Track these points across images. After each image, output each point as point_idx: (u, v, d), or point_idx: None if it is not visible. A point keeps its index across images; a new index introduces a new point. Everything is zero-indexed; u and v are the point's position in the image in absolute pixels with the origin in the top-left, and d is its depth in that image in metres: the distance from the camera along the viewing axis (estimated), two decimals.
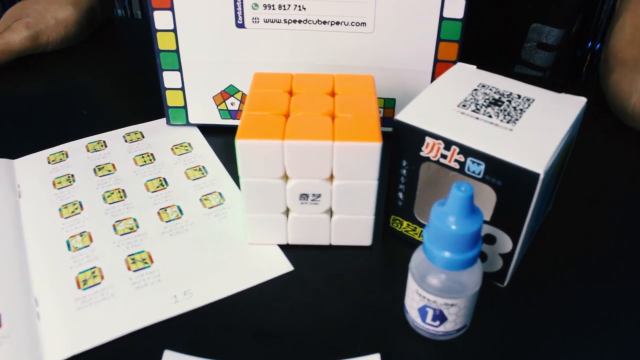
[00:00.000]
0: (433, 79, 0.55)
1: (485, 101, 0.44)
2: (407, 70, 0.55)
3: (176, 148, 0.58)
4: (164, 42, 0.56)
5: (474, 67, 0.48)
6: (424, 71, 0.55)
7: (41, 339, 0.41)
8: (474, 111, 0.43)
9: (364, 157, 0.42)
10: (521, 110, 0.43)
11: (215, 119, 0.60)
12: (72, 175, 0.55)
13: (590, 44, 1.19)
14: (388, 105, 0.57)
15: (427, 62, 0.55)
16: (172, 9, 0.54)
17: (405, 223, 0.47)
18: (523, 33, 0.85)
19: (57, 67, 0.77)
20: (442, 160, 0.42)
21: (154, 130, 0.61)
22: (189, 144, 0.59)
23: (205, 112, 0.60)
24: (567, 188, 0.53)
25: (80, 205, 0.52)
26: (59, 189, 0.54)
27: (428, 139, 0.42)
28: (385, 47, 0.54)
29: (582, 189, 0.54)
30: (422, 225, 0.46)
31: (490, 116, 0.42)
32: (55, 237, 0.49)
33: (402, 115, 0.43)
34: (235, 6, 0.53)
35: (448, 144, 0.41)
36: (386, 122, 0.58)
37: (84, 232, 0.49)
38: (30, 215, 0.52)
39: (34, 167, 0.57)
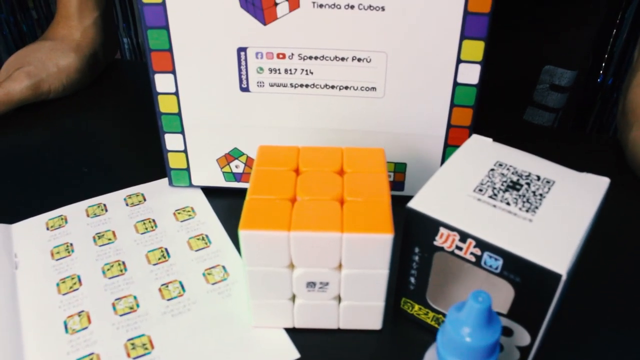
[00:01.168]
0: (446, 144, 0.53)
1: (502, 184, 0.41)
2: (419, 135, 0.53)
3: (179, 213, 0.56)
4: (165, 105, 0.54)
5: (490, 140, 0.46)
6: (437, 136, 0.53)
7: None
8: (491, 197, 0.40)
9: (375, 248, 0.40)
10: (541, 195, 0.41)
11: (219, 181, 0.58)
12: (71, 244, 0.53)
13: (601, 79, 1.17)
14: (399, 170, 0.55)
15: (440, 127, 0.52)
16: (173, 72, 0.52)
17: (417, 306, 0.45)
18: (536, 75, 0.83)
19: (57, 115, 0.75)
20: (457, 252, 0.39)
21: (156, 192, 0.59)
22: (192, 209, 0.57)
23: (209, 174, 0.57)
24: (585, 258, 0.50)
25: (79, 280, 0.50)
26: (57, 260, 0.52)
27: (442, 230, 0.39)
28: (397, 112, 0.51)
29: (601, 258, 0.51)
30: (434, 310, 0.44)
31: (508, 203, 0.40)
32: (52, 318, 0.47)
33: (415, 203, 0.40)
34: (240, 70, 0.51)
35: (464, 236, 0.38)
36: (396, 186, 0.56)
37: (82, 311, 0.47)
38: (27, 290, 0.50)
39: (32, 233, 0.55)
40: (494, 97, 0.65)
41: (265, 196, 0.42)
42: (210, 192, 0.60)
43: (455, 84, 0.50)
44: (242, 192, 0.56)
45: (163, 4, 0.49)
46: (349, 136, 0.53)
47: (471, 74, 0.50)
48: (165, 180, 0.60)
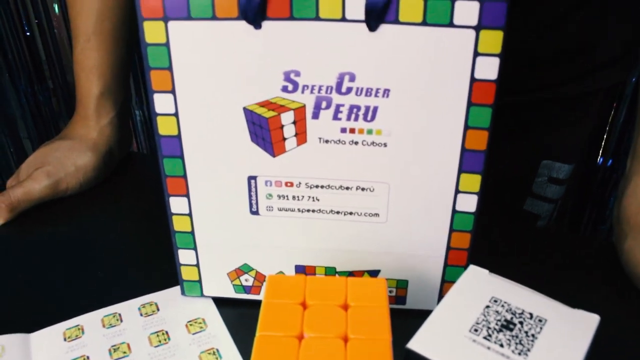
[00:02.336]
0: (446, 263, 0.56)
1: (497, 324, 0.44)
2: (420, 256, 0.56)
3: (191, 325, 0.59)
4: (179, 224, 0.57)
5: (486, 272, 0.49)
6: (437, 256, 0.56)
7: None
8: (485, 338, 0.43)
9: None
10: (533, 336, 0.43)
11: (229, 292, 0.61)
12: (88, 358, 0.56)
13: (601, 161, 1.20)
14: (400, 286, 0.58)
15: (440, 249, 0.55)
16: (187, 195, 0.55)
17: None
18: (534, 168, 0.86)
19: (73, 212, 0.79)
20: None
21: (169, 301, 0.62)
22: (204, 320, 0.59)
23: (220, 286, 0.60)
24: None
25: None
26: None
27: None
28: (399, 235, 0.54)
29: None
30: None
31: (502, 345, 0.43)
32: None
33: (414, 344, 0.43)
34: (250, 195, 0.54)
35: None
36: (398, 300, 0.59)
37: None
38: None
39: (50, 344, 0.58)
40: (497, 189, 0.68)
41: (274, 333, 0.45)
42: (221, 301, 0.63)
43: (454, 211, 0.53)
44: (251, 302, 0.61)
45: (179, 137, 0.52)
46: (354, 256, 0.56)
47: (469, 203, 0.53)
48: (177, 288, 0.63)
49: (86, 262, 0.69)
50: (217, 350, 0.57)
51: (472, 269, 0.50)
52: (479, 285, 0.48)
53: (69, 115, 1.68)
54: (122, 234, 0.75)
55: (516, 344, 0.43)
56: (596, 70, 0.80)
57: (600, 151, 1.20)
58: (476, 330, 0.44)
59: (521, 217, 0.90)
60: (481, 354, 0.42)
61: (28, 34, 1.69)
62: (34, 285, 0.66)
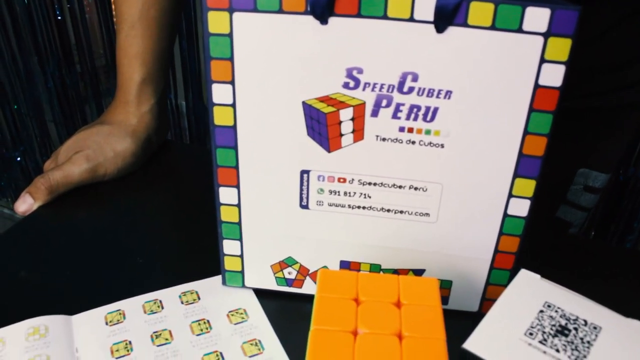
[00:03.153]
0: (492, 267, 0.56)
1: (552, 329, 0.44)
2: (466, 258, 0.56)
3: (232, 315, 0.59)
4: (226, 214, 0.57)
5: (538, 276, 0.49)
6: (484, 259, 0.56)
7: None
8: (541, 342, 0.43)
9: None
10: (588, 342, 0.43)
11: (271, 284, 0.61)
12: (130, 343, 0.56)
13: (632, 171, 1.20)
14: (444, 286, 0.58)
15: (488, 252, 0.55)
16: (237, 186, 0.55)
17: None
18: (571, 176, 0.86)
19: (111, 197, 0.80)
20: None
21: (210, 291, 0.62)
22: (245, 311, 0.60)
23: (262, 277, 0.61)
24: None
25: None
26: (117, 358, 0.55)
27: None
28: (448, 236, 0.54)
29: None
30: None
31: (557, 350, 0.43)
32: None
33: (470, 344, 0.43)
34: (301, 189, 0.54)
35: None
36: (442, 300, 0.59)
37: None
38: None
39: (91, 328, 0.58)
40: None
41: (328, 327, 0.45)
42: (261, 293, 0.63)
43: (505, 215, 0.53)
44: (292, 295, 0.61)
45: (234, 127, 0.52)
46: (400, 254, 0.56)
47: (521, 208, 0.53)
48: (218, 278, 0.63)
49: (125, 248, 0.70)
50: (260, 342, 0.57)
51: (524, 273, 0.50)
52: (531, 290, 0.48)
53: (95, 100, 1.69)
54: (159, 222, 0.76)
55: (572, 349, 0.43)
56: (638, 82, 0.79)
57: (633, 161, 1.20)
58: (531, 334, 0.44)
59: (553, 224, 0.90)
60: (538, 358, 0.42)
61: (59, 17, 1.70)
62: (73, 268, 0.67)
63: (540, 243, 0.60)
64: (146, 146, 0.82)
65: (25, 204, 0.75)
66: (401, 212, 0.54)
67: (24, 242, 0.71)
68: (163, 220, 0.75)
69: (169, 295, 0.62)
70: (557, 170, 0.85)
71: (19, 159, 1.98)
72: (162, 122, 0.86)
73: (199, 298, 0.62)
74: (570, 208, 0.89)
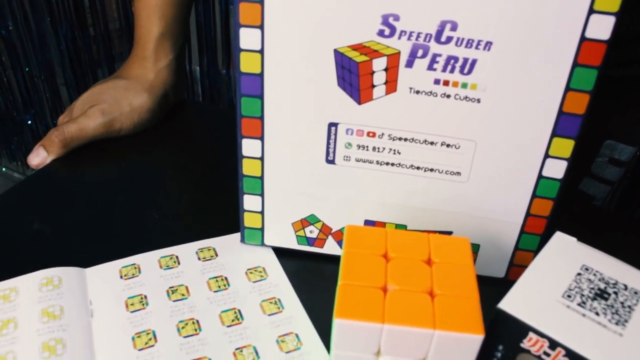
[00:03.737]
0: (522, 231, 0.54)
1: (590, 292, 0.42)
2: (496, 220, 0.54)
3: (250, 273, 0.57)
4: (249, 168, 0.55)
5: (574, 240, 0.47)
6: (514, 223, 0.54)
7: None
8: (580, 305, 0.41)
9: (463, 346, 0.41)
10: (629, 307, 0.41)
11: (291, 243, 0.59)
12: (145, 297, 0.54)
13: None
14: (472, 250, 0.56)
15: (519, 215, 0.53)
16: (262, 138, 0.53)
17: None
18: (596, 148, 0.84)
19: (126, 152, 0.78)
20: (543, 357, 0.40)
21: (228, 248, 0.60)
22: (264, 269, 0.58)
23: (282, 236, 0.59)
24: None
25: (154, 336, 0.51)
26: (132, 312, 0.53)
27: (532, 334, 0.40)
28: (478, 197, 0.52)
29: None
30: None
31: (597, 313, 0.41)
32: None
33: (506, 304, 0.41)
34: (328, 143, 0.52)
35: (554, 344, 0.39)
36: None
37: None
38: (103, 342, 0.52)
39: (105, 281, 0.56)
40: None
41: (357, 282, 0.43)
42: (280, 252, 0.61)
43: (540, 176, 0.51)
44: (312, 255, 0.59)
45: (261, 75, 0.50)
46: (427, 215, 0.54)
47: (557, 169, 0.50)
48: (236, 235, 0.62)
49: (139, 204, 0.68)
50: (279, 300, 0.55)
51: (559, 235, 0.48)
52: (568, 253, 0.46)
53: (107, 63, 1.67)
54: (175, 179, 0.74)
55: (612, 313, 0.41)
56: None
57: None
58: (569, 296, 0.42)
59: (575, 197, 0.88)
60: (576, 320, 0.40)
61: None
62: (87, 222, 0.65)
63: (563, 214, 0.58)
64: (163, 102, 0.80)
65: (39, 157, 0.73)
66: (431, 170, 0.52)
67: (36, 195, 0.69)
68: (179, 177, 0.73)
69: (186, 251, 0.60)
70: (583, 141, 0.82)
71: (29, 122, 1.96)
72: (179, 78, 0.83)
73: (216, 255, 0.60)
74: (594, 181, 0.87)
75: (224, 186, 0.66)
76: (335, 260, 0.56)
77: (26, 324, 0.51)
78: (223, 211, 0.65)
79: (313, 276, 0.58)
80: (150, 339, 0.51)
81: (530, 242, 0.55)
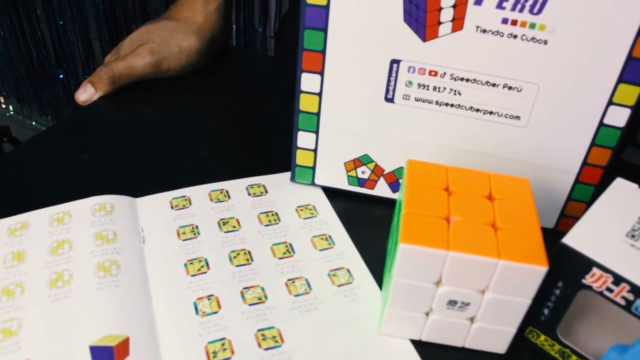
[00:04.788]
0: (577, 180, 0.54)
1: None
2: (551, 169, 0.53)
3: (301, 210, 0.57)
4: (306, 103, 0.55)
5: (636, 186, 0.46)
6: (569, 172, 0.53)
7: None
8: None
9: (526, 277, 0.41)
10: None
11: (342, 183, 0.59)
12: (197, 227, 0.55)
13: None
14: None
15: (575, 164, 0.53)
16: (322, 73, 0.53)
17: (542, 337, 0.46)
18: None
19: (172, 95, 0.77)
20: (605, 293, 0.40)
21: (277, 186, 0.60)
22: (314, 207, 0.58)
23: (333, 175, 0.59)
24: None
25: (207, 264, 0.51)
26: (183, 240, 0.53)
27: (595, 270, 0.40)
28: (535, 143, 0.52)
29: None
30: (562, 344, 0.44)
31: None
32: (182, 298, 0.48)
33: (570, 240, 0.41)
34: (389, 81, 0.52)
35: (618, 279, 0.39)
36: None
37: (212, 295, 0.48)
38: (156, 266, 0.52)
39: (156, 210, 0.56)
40: None
41: (420, 212, 0.43)
42: (330, 193, 0.61)
43: (601, 124, 0.51)
44: (362, 197, 0.59)
45: (327, 7, 0.50)
46: (481, 159, 0.54)
47: (619, 117, 0.50)
48: (285, 174, 0.62)
49: (187, 142, 0.69)
50: (330, 237, 0.55)
51: (620, 181, 0.48)
52: (629, 197, 0.46)
53: (142, 19, 1.67)
54: (223, 120, 0.74)
55: None
56: None
57: None
58: (633, 236, 0.42)
59: (617, 166, 0.87)
60: None
61: None
62: (135, 156, 0.66)
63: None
64: (210, 45, 0.80)
65: (87, 94, 0.73)
66: (490, 112, 0.52)
67: (84, 130, 0.69)
68: (225, 119, 0.74)
69: (236, 186, 0.61)
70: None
71: (61, 76, 1.96)
72: (227, 23, 0.83)
73: (266, 192, 0.60)
74: (637, 150, 0.86)
75: (270, 130, 0.67)
76: (384, 203, 0.56)
77: (81, 245, 0.52)
78: (270, 153, 0.66)
79: (362, 218, 0.58)
80: (202, 266, 0.51)
81: (584, 192, 0.55)
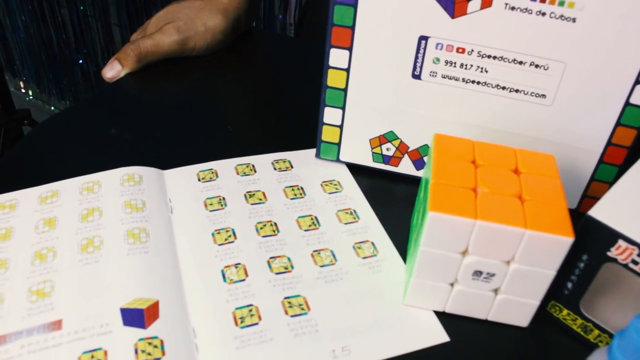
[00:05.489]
0: (601, 160, 0.54)
1: None
2: (575, 148, 0.54)
3: (326, 185, 0.58)
4: (333, 79, 0.55)
5: None
6: (594, 152, 0.54)
7: None
8: None
9: (552, 248, 0.41)
10: None
11: (366, 160, 0.60)
12: (224, 199, 0.56)
13: None
14: None
15: (599, 144, 0.53)
16: (350, 49, 0.53)
17: (565, 311, 0.46)
18: None
19: (197, 73, 0.78)
20: (631, 265, 0.41)
21: (302, 162, 0.61)
22: (339, 183, 0.58)
23: (358, 152, 0.59)
24: None
25: (234, 234, 0.52)
26: (211, 211, 0.54)
27: (621, 242, 0.40)
28: (560, 122, 0.52)
29: None
30: (584, 318, 0.45)
31: None
32: (209, 265, 0.49)
33: (595, 212, 0.41)
34: (416, 57, 0.52)
35: None
36: None
37: (239, 264, 0.49)
38: (183, 235, 0.53)
39: (183, 181, 0.57)
40: None
41: (448, 182, 0.44)
42: (353, 170, 0.62)
43: (627, 104, 0.51)
44: (385, 175, 0.59)
45: None
46: (507, 138, 0.55)
47: None
48: (309, 151, 0.62)
49: (213, 118, 0.70)
50: (355, 211, 0.56)
51: None
52: None
53: (163, 5, 1.67)
54: (246, 98, 0.75)
55: None
56: None
57: None
58: None
59: None
60: None
61: None
62: (162, 131, 0.67)
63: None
64: (235, 26, 0.81)
65: (113, 70, 0.74)
66: (516, 90, 0.53)
67: (111, 105, 0.71)
68: (250, 97, 0.74)
69: (262, 160, 0.62)
70: None
71: (81, 61, 1.98)
72: (252, 4, 0.84)
73: (291, 167, 0.61)
74: None
75: (293, 109, 0.68)
76: (408, 180, 0.57)
77: (110, 213, 0.53)
78: (293, 131, 0.67)
79: (386, 195, 0.59)
80: (229, 236, 0.52)
81: (608, 172, 0.55)
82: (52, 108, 2.21)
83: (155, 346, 0.42)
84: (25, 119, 1.69)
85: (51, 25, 1.95)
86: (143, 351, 0.42)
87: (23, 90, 2.27)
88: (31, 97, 2.27)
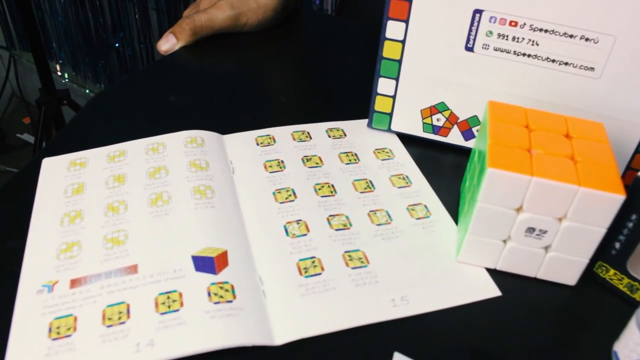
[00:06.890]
0: None
1: None
2: (622, 121, 0.56)
3: (378, 152, 0.61)
4: (389, 50, 0.58)
5: None
6: (639, 124, 0.56)
7: (269, 317, 0.45)
8: None
9: (604, 206, 0.44)
10: None
11: (417, 130, 0.62)
12: (282, 162, 0.59)
13: None
14: None
15: None
16: (407, 21, 0.56)
17: (612, 271, 0.49)
18: None
19: (249, 48, 0.81)
20: None
21: (355, 131, 0.64)
22: (390, 151, 0.61)
23: (409, 122, 0.62)
24: None
25: (294, 193, 0.55)
26: (270, 172, 0.57)
27: None
28: (608, 95, 0.55)
29: None
30: (631, 277, 0.48)
31: None
32: (272, 220, 0.52)
33: None
34: (470, 30, 0.55)
35: None
36: None
37: (300, 220, 0.52)
38: (246, 193, 0.56)
39: (243, 145, 0.60)
40: None
41: (505, 143, 0.46)
42: (403, 140, 0.65)
43: None
44: (435, 145, 0.62)
45: None
46: (556, 110, 0.57)
47: None
48: (362, 121, 0.65)
49: (267, 89, 0.73)
50: (407, 177, 0.59)
51: None
52: None
53: None
54: (298, 71, 0.79)
55: None
56: None
57: None
58: None
59: None
60: None
61: None
62: (218, 100, 0.70)
63: None
64: (285, 4, 0.84)
65: (169, 43, 0.78)
66: (566, 63, 0.55)
67: (167, 76, 0.74)
68: (301, 70, 0.78)
69: (316, 128, 0.64)
70: None
71: (117, 45, 2.01)
72: None
73: (345, 135, 0.64)
74: None
75: (344, 82, 0.72)
76: (456, 151, 0.60)
77: (176, 171, 0.56)
78: (345, 103, 0.70)
79: (435, 164, 0.62)
80: (290, 195, 0.55)
81: None
82: (87, 91, 2.24)
83: (227, 290, 0.45)
84: (64, 99, 1.73)
85: (89, 9, 1.98)
86: (215, 294, 0.45)
87: (59, 73, 2.31)
88: (67, 80, 2.31)
